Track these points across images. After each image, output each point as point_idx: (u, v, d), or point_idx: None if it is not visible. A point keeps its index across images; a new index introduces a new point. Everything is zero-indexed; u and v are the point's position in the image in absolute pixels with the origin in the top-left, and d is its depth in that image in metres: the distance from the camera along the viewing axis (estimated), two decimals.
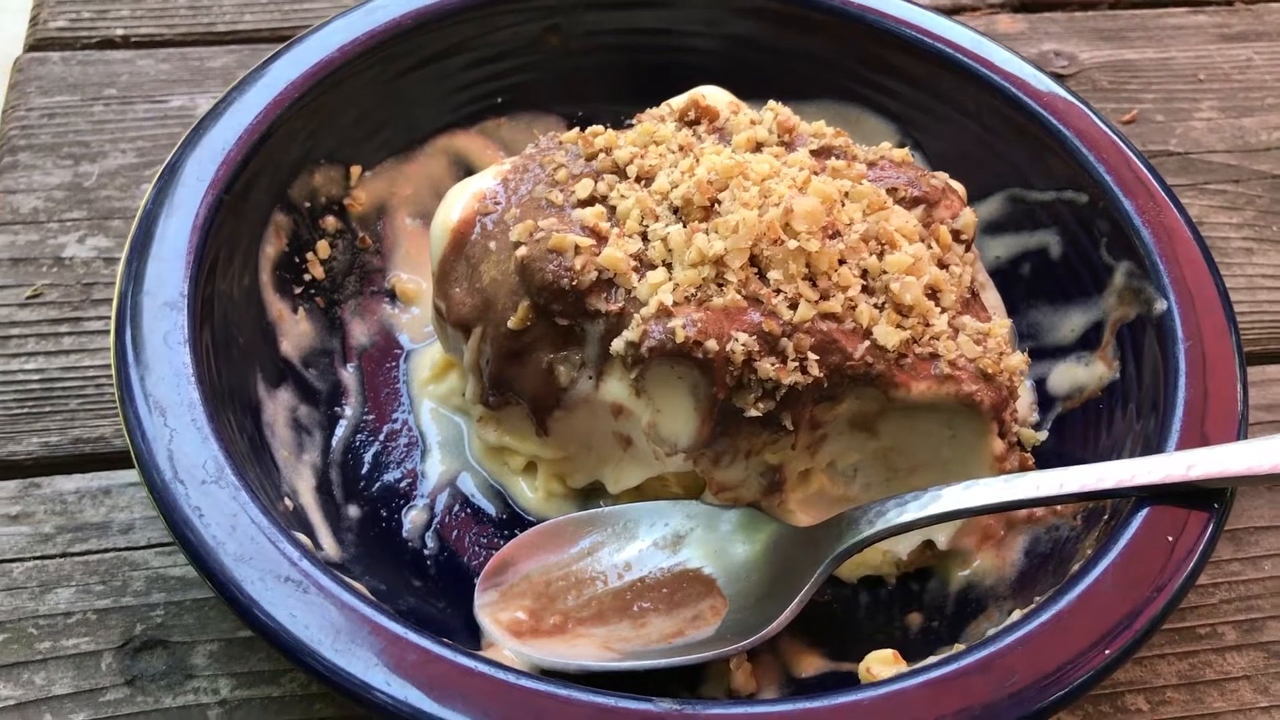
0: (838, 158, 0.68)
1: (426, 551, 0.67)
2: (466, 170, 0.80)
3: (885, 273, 0.62)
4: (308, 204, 0.75)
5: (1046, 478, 0.60)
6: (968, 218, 0.68)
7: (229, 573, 0.53)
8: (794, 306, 0.60)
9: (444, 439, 0.72)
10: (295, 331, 0.72)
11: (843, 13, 0.80)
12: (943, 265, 0.65)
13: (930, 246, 0.65)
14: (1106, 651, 0.54)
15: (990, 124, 0.78)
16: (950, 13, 0.94)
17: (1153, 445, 0.63)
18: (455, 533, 0.68)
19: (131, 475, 0.70)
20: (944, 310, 0.63)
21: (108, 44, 0.95)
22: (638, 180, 0.65)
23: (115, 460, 0.71)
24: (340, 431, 0.71)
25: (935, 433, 0.64)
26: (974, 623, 0.64)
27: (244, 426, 0.64)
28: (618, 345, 0.61)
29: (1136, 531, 0.58)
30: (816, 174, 0.65)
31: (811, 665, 0.64)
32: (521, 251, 0.62)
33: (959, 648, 0.56)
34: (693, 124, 0.70)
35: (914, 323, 0.62)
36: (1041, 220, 0.76)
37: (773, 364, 0.59)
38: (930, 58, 0.79)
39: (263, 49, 0.94)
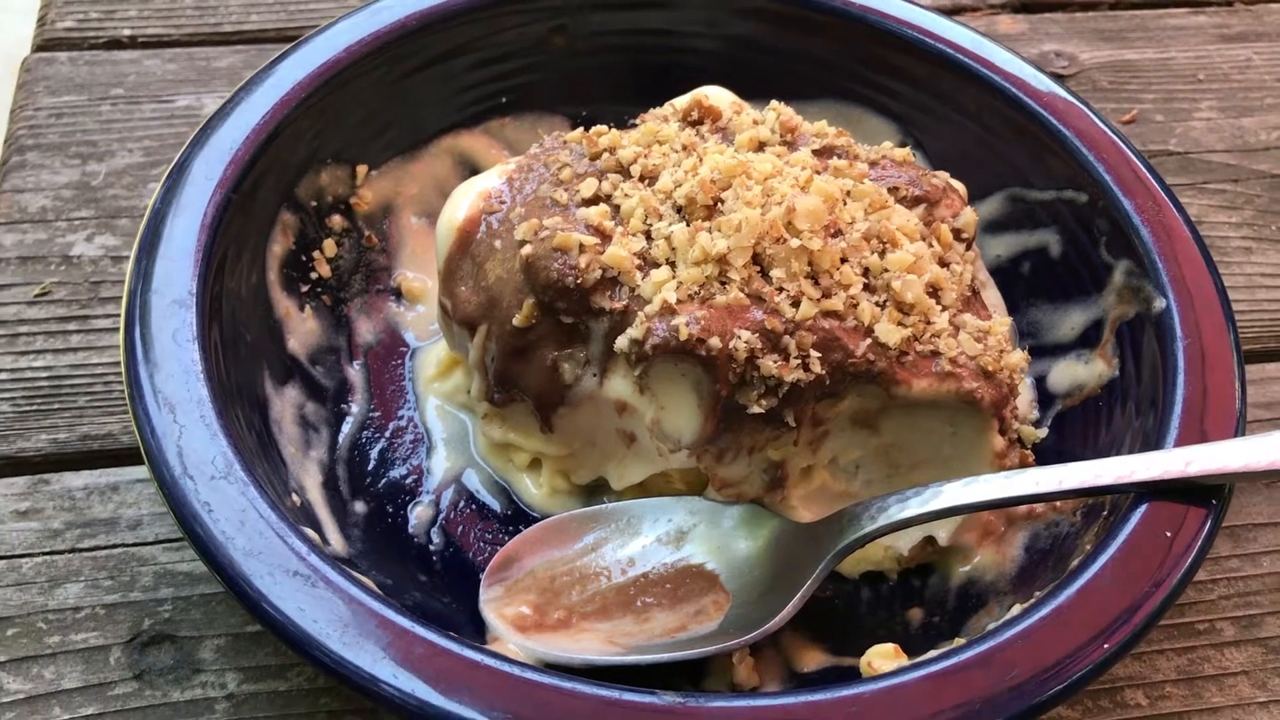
0: (839, 157, 0.68)
1: (432, 547, 0.68)
2: (471, 170, 0.80)
3: (887, 271, 0.62)
4: (314, 203, 0.75)
5: (1046, 474, 0.60)
6: (968, 217, 0.68)
7: (238, 567, 0.54)
8: (796, 304, 0.60)
9: (449, 436, 0.73)
10: (302, 329, 0.72)
11: (844, 14, 0.80)
12: (944, 264, 0.66)
13: (931, 245, 0.66)
14: (1105, 646, 0.54)
15: (991, 124, 0.78)
16: (951, 13, 0.94)
17: (1152, 442, 0.63)
18: (460, 528, 0.69)
19: (139, 472, 0.71)
20: (945, 308, 0.63)
21: (115, 44, 0.95)
22: (641, 179, 0.66)
23: (123, 457, 0.71)
24: (347, 428, 0.72)
25: (936, 429, 0.65)
26: (974, 618, 0.65)
27: (252, 423, 0.64)
28: (622, 343, 0.61)
29: (1135, 527, 0.58)
30: (818, 173, 0.66)
31: (813, 660, 0.64)
32: (526, 250, 0.63)
33: (959, 642, 0.57)
34: (696, 124, 0.71)
35: (915, 320, 0.62)
36: (1041, 219, 0.77)
37: (775, 361, 0.59)
38: (931, 58, 0.79)
39: (269, 49, 0.95)
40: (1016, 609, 0.58)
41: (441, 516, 0.69)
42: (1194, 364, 0.65)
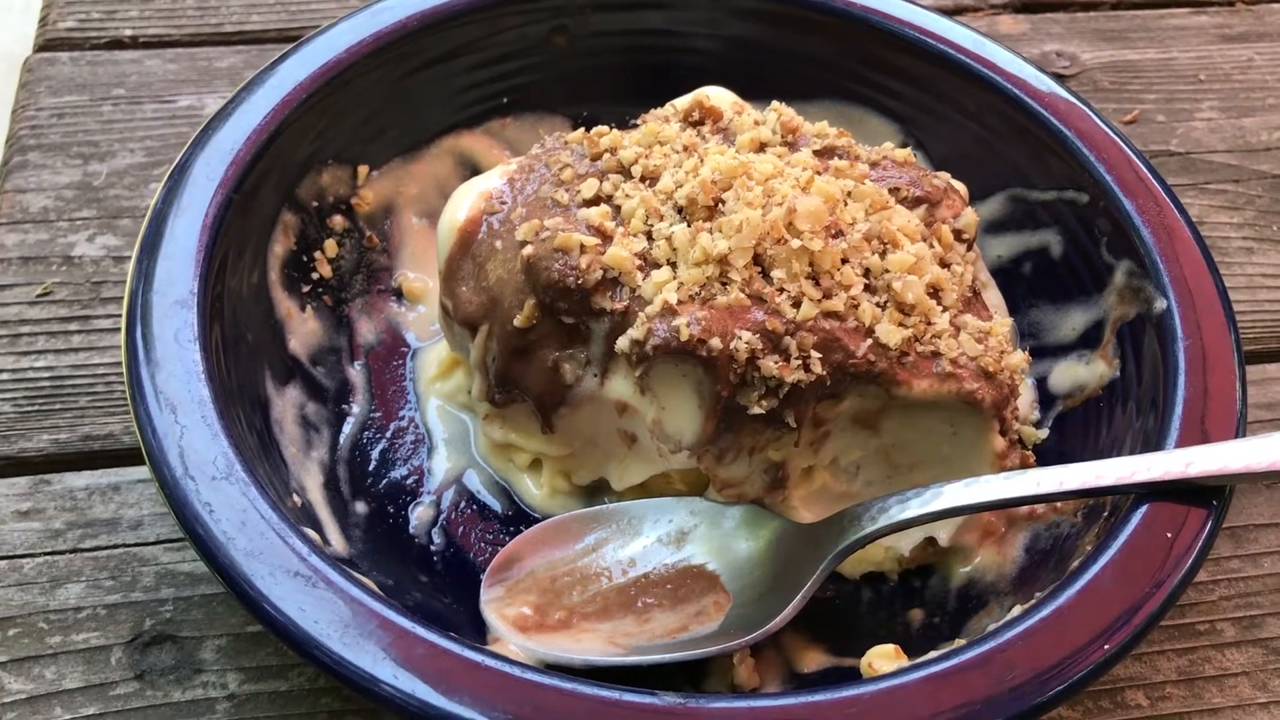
0: (840, 158, 0.68)
1: (433, 547, 0.68)
2: (472, 170, 0.80)
3: (887, 272, 0.62)
4: (315, 203, 0.75)
5: (1047, 475, 0.60)
6: (969, 217, 0.68)
7: (239, 568, 0.54)
8: (797, 305, 0.60)
9: (450, 436, 0.73)
10: (303, 329, 0.72)
11: (845, 14, 0.80)
12: (944, 264, 0.66)
13: (932, 246, 0.66)
14: (1106, 647, 0.54)
15: (992, 124, 0.78)
16: (952, 13, 0.94)
17: (1152, 443, 0.63)
18: (461, 529, 0.69)
19: (140, 472, 0.71)
20: (946, 309, 0.63)
21: (116, 44, 0.96)
22: (642, 180, 0.66)
23: (124, 457, 0.71)
24: (348, 428, 0.72)
25: (937, 430, 0.65)
26: (975, 618, 0.65)
27: (253, 423, 0.64)
28: (623, 343, 0.61)
29: (1136, 528, 0.58)
30: (819, 174, 0.66)
31: (814, 660, 0.64)
32: (527, 250, 0.63)
33: (960, 643, 0.57)
34: (697, 124, 0.71)
35: (916, 321, 0.62)
36: (1042, 220, 0.77)
37: (776, 362, 0.59)
38: (932, 59, 0.79)
39: (270, 49, 0.95)
40: (1017, 610, 0.58)
41: (442, 517, 0.69)
42: (1195, 365, 0.65)
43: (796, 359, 0.60)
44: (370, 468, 0.70)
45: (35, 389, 0.74)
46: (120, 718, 0.61)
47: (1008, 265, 0.79)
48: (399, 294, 0.78)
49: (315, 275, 0.75)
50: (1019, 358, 0.64)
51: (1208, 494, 0.59)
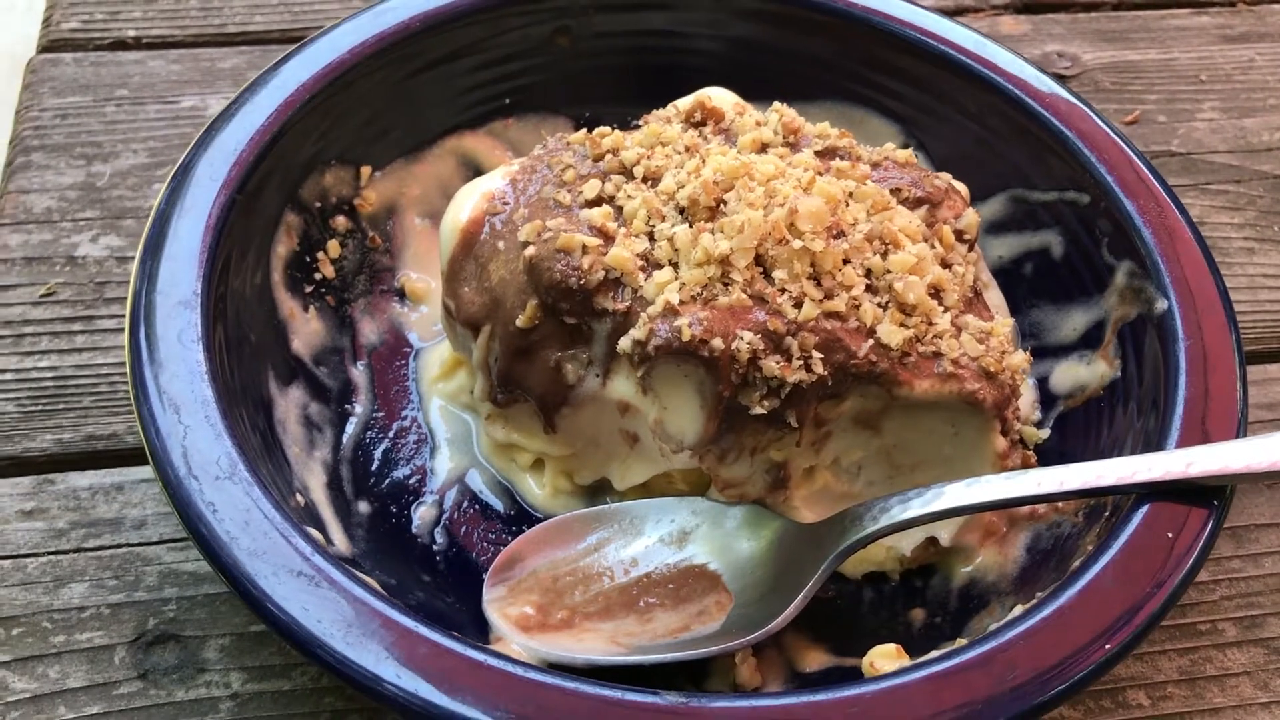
0: (842, 158, 0.68)
1: (436, 547, 0.68)
2: (475, 171, 0.80)
3: (889, 272, 0.62)
4: (318, 204, 0.75)
5: (1048, 475, 0.60)
6: (970, 218, 0.68)
7: (242, 567, 0.54)
8: (798, 305, 0.60)
9: (453, 436, 0.73)
10: (306, 330, 0.73)
11: (846, 15, 0.80)
12: (946, 265, 0.66)
13: (933, 246, 0.66)
14: (1107, 647, 0.54)
15: (993, 125, 0.78)
16: (953, 14, 0.94)
17: (1153, 443, 0.63)
18: (464, 528, 0.69)
19: (144, 472, 0.71)
20: (947, 309, 0.64)
21: (120, 45, 0.96)
22: (644, 181, 0.66)
23: (128, 457, 0.72)
24: (350, 428, 0.72)
25: (938, 430, 0.65)
26: (976, 618, 0.65)
27: (256, 423, 0.64)
28: (624, 343, 0.62)
29: (1137, 528, 0.58)
30: (821, 174, 0.66)
31: (815, 660, 0.64)
32: (530, 251, 0.63)
33: (961, 643, 0.57)
34: (699, 125, 0.71)
35: (917, 322, 0.62)
36: (1044, 220, 0.77)
37: (777, 362, 0.60)
38: (934, 59, 0.79)
39: (273, 50, 0.95)
40: (1018, 609, 0.58)
41: (445, 517, 0.70)
42: (1196, 365, 0.65)
43: (798, 359, 0.60)
44: (373, 468, 0.71)
45: (39, 389, 0.74)
46: (124, 717, 0.61)
47: (1009, 266, 0.79)
48: (401, 294, 0.78)
49: (318, 276, 0.75)
50: (1020, 358, 0.65)
51: (1209, 494, 0.59)
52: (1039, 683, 0.53)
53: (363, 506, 0.68)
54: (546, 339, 0.64)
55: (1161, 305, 0.68)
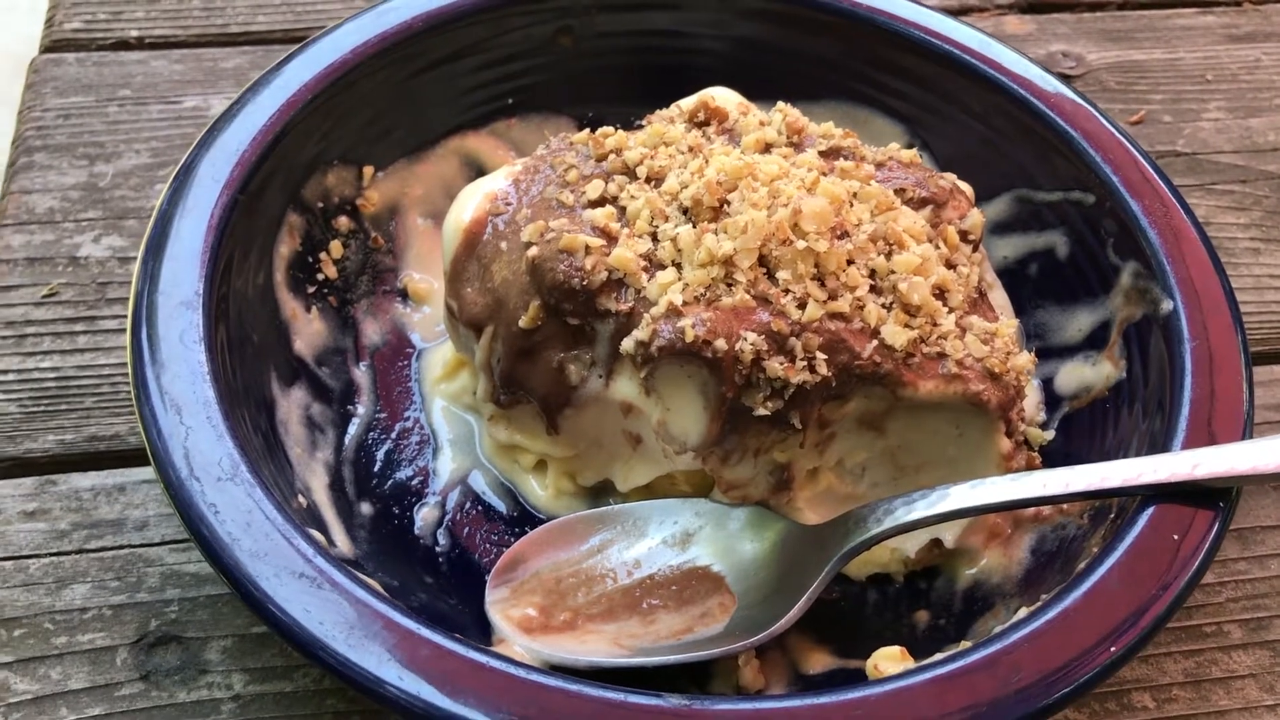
0: (846, 159, 0.68)
1: (438, 548, 0.68)
2: (478, 171, 0.80)
3: (893, 273, 0.62)
4: (321, 204, 0.75)
5: (1053, 476, 0.60)
6: (975, 218, 0.68)
7: (244, 569, 0.54)
8: (802, 306, 0.60)
9: (455, 437, 0.73)
10: (309, 330, 0.72)
11: (850, 14, 0.80)
12: (950, 265, 0.65)
13: (938, 247, 0.66)
14: (1112, 649, 0.54)
15: (998, 125, 0.78)
16: (958, 14, 0.94)
17: (1159, 444, 0.63)
18: (466, 530, 0.69)
19: (146, 473, 0.71)
20: (951, 310, 0.63)
21: (122, 45, 0.96)
22: (648, 181, 0.66)
23: (130, 458, 0.72)
24: (353, 429, 0.72)
25: (943, 431, 0.65)
26: (981, 620, 0.65)
27: (258, 424, 0.64)
28: (628, 344, 0.61)
29: (1142, 530, 0.58)
30: (825, 175, 0.66)
31: (819, 662, 0.64)
32: (533, 251, 0.63)
33: (966, 645, 0.57)
34: (702, 125, 0.71)
35: (922, 322, 0.62)
36: (1049, 221, 0.77)
37: (781, 363, 0.59)
38: (938, 59, 0.79)
39: (275, 50, 0.95)
40: (1023, 612, 0.58)
41: (447, 518, 0.69)
42: (1201, 366, 0.64)
43: (802, 360, 0.60)
44: (375, 469, 0.71)
45: (41, 389, 0.74)
46: (125, 718, 0.61)
47: (1014, 266, 0.78)
48: (404, 295, 0.78)
49: (320, 276, 0.75)
50: (1025, 359, 0.64)
51: (1214, 496, 0.59)
52: (1044, 685, 0.53)
53: (365, 508, 0.68)
54: (549, 340, 0.64)
55: (1167, 306, 0.68)
